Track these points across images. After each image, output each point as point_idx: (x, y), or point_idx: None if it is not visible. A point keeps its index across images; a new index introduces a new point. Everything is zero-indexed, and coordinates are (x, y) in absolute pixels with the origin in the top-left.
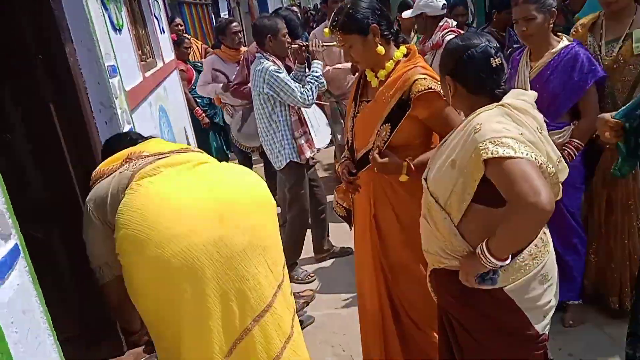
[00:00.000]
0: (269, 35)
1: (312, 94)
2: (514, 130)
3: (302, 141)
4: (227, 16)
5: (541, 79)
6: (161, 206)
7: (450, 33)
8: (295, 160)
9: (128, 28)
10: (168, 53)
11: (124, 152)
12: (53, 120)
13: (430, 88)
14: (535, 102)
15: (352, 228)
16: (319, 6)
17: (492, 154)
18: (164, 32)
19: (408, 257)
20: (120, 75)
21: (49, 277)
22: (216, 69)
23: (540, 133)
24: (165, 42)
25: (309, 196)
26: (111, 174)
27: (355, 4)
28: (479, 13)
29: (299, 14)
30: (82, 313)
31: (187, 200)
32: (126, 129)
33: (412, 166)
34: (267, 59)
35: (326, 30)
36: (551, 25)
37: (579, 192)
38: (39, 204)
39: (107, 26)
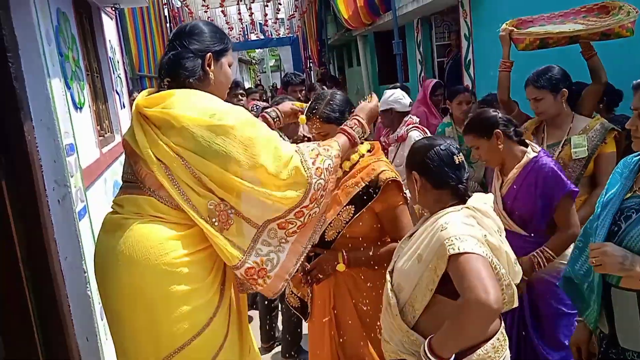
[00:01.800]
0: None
1: None
2: (478, 232)
3: None
4: None
5: (511, 196)
6: None
7: (414, 128)
8: None
9: (89, 105)
10: (127, 127)
11: None
12: (3, 196)
13: (396, 179)
14: (511, 218)
15: (307, 320)
16: (277, 86)
17: (456, 250)
18: (124, 107)
19: (367, 355)
20: (77, 153)
21: None
22: None
23: (500, 235)
24: (125, 117)
25: None
26: None
27: (334, 96)
28: None
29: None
30: None
31: None
32: (79, 207)
33: (346, 256)
34: None
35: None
36: (500, 146)
37: None
38: None
39: (68, 105)
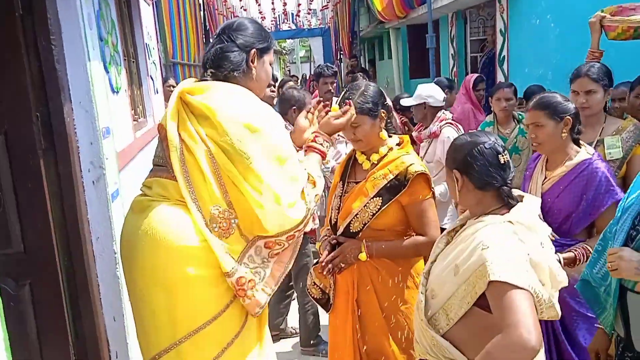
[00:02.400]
0: (294, 108)
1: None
2: (520, 253)
3: None
4: None
5: (553, 194)
6: None
7: (447, 125)
8: None
9: (125, 90)
10: (160, 113)
11: None
12: (41, 176)
13: (425, 172)
14: (546, 217)
15: (329, 311)
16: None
17: (498, 277)
18: (157, 93)
19: (388, 347)
20: (113, 137)
21: (17, 331)
22: None
23: (543, 247)
24: (157, 102)
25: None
26: None
27: (368, 88)
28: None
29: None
30: None
31: None
32: (112, 189)
33: (367, 246)
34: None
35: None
36: (564, 135)
37: None
38: (15, 258)
39: (106, 89)
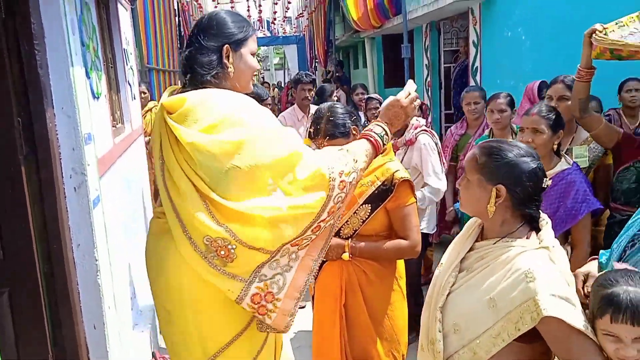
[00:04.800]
0: None
1: None
2: (566, 286)
3: None
4: None
5: None
6: None
7: (422, 132)
8: None
9: (105, 95)
10: (137, 118)
11: None
12: (22, 182)
13: (408, 178)
14: None
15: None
16: (282, 84)
17: (555, 314)
18: (134, 99)
19: (374, 351)
20: (94, 143)
21: None
22: None
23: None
24: (135, 108)
25: None
26: None
27: (333, 110)
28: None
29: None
30: None
31: None
32: (93, 196)
33: (351, 247)
34: None
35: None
36: (555, 146)
37: None
38: None
39: (88, 94)
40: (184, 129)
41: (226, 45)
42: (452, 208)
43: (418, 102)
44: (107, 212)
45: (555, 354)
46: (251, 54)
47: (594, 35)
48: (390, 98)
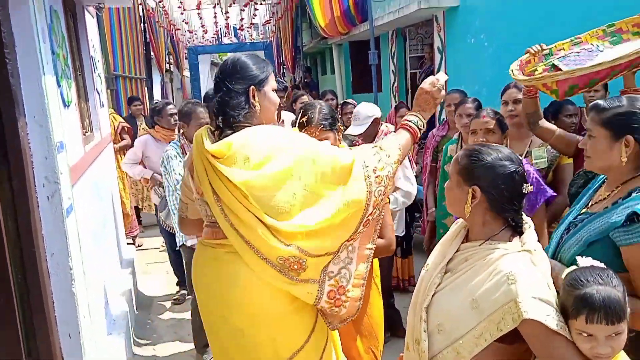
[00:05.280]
0: (182, 122)
1: None
2: (547, 289)
3: None
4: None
5: None
6: None
7: None
8: (186, 243)
9: (75, 103)
10: (105, 126)
11: None
12: None
13: None
14: None
15: None
16: None
17: (535, 317)
18: (103, 106)
19: (355, 349)
20: (66, 151)
21: None
22: (145, 152)
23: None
24: (104, 116)
25: None
26: None
27: (323, 104)
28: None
29: None
30: None
31: None
32: (66, 204)
33: None
34: (177, 143)
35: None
36: (504, 144)
37: None
38: None
39: (59, 103)
40: (235, 170)
41: (252, 87)
42: (433, 209)
43: (442, 89)
44: (80, 220)
45: (535, 356)
46: (272, 90)
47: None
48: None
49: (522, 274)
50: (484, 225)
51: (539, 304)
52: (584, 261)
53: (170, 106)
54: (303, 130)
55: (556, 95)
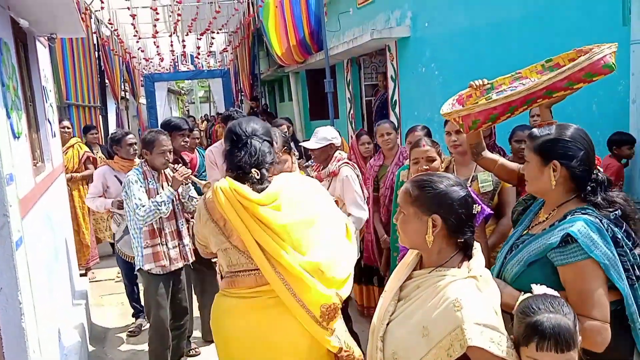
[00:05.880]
0: (145, 150)
1: (147, 215)
2: (492, 314)
3: (149, 251)
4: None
5: None
6: None
7: (345, 164)
8: (143, 268)
9: (25, 134)
10: (57, 157)
11: None
12: None
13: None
14: None
15: None
16: (209, 117)
17: (479, 344)
18: (54, 136)
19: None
20: (15, 183)
21: None
22: (105, 183)
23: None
24: (55, 146)
25: (166, 307)
26: None
27: (279, 134)
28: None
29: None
30: None
31: None
32: (16, 237)
33: None
34: (138, 169)
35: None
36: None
37: None
38: None
39: (8, 134)
40: (279, 214)
41: (272, 142)
42: (385, 236)
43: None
44: (30, 252)
45: None
46: None
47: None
48: None
49: (467, 300)
50: (439, 252)
51: (483, 329)
52: (537, 289)
53: (130, 136)
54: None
55: (462, 129)
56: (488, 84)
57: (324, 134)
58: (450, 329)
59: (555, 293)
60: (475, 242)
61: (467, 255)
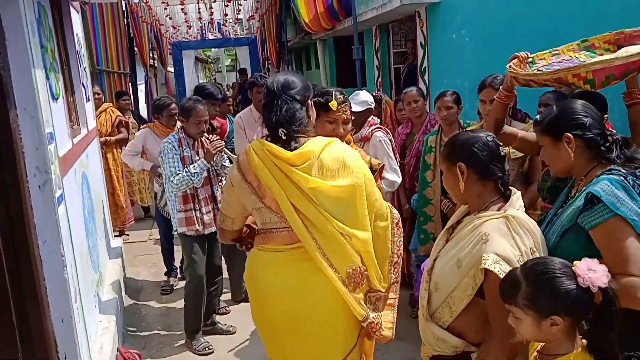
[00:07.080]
0: (182, 117)
1: (181, 183)
2: (511, 248)
3: (182, 215)
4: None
5: None
6: None
7: (378, 129)
8: (182, 231)
9: (62, 96)
10: (91, 120)
11: None
12: None
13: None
14: None
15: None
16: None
17: (492, 268)
18: (88, 100)
19: None
20: (56, 142)
21: None
22: (145, 146)
23: (532, 253)
24: (89, 110)
25: (202, 265)
26: None
27: (337, 90)
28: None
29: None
30: None
31: None
32: (57, 194)
33: None
34: (174, 136)
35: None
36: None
37: None
38: None
39: (48, 95)
40: (310, 178)
41: (309, 101)
42: (407, 206)
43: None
44: (70, 209)
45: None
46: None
47: (507, 66)
48: None
49: (494, 234)
50: (479, 197)
51: (498, 259)
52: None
53: (173, 106)
54: (324, 114)
55: (591, 85)
56: (530, 57)
57: (364, 97)
58: (476, 258)
59: (595, 261)
60: (513, 189)
61: (506, 197)
